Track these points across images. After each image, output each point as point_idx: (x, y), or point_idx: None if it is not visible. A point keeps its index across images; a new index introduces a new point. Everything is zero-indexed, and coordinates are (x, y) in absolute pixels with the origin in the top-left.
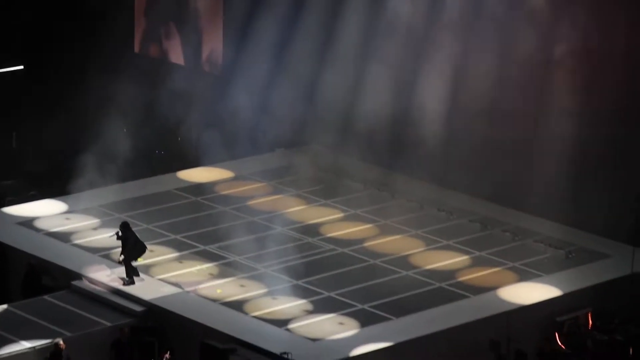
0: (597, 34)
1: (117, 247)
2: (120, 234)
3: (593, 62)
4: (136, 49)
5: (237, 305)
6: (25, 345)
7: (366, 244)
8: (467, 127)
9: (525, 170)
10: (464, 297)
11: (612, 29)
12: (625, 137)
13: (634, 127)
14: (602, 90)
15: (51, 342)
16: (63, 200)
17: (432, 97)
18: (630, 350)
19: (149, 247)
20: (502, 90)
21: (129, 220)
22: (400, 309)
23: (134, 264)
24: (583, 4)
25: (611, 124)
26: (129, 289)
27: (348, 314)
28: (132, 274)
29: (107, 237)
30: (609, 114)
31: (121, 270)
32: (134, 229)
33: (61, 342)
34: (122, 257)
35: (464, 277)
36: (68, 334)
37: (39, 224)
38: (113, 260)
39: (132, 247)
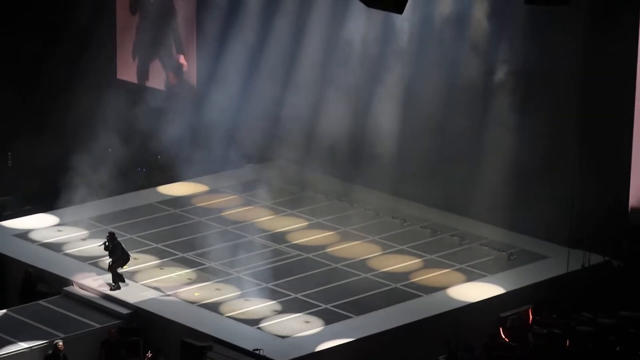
0: (534, 57)
1: (105, 255)
2: (107, 243)
3: (530, 83)
4: (118, 74)
5: (213, 307)
6: (22, 346)
7: (328, 250)
8: (417, 142)
9: (471, 181)
10: (417, 296)
11: (549, 52)
12: (559, 150)
13: (567, 141)
14: (538, 108)
15: (49, 343)
16: (55, 214)
17: (386, 116)
18: (567, 342)
19: (133, 255)
20: (448, 109)
21: (115, 231)
22: (360, 307)
23: (120, 271)
24: (520, 29)
25: (547, 139)
26: (115, 294)
27: (313, 313)
28: (117, 280)
29: (96, 246)
30: (544, 129)
31: (108, 277)
32: (119, 239)
33: (60, 343)
34: (110, 264)
35: (417, 278)
36: (62, 335)
37: (33, 236)
38: (101, 268)
39: (119, 255)
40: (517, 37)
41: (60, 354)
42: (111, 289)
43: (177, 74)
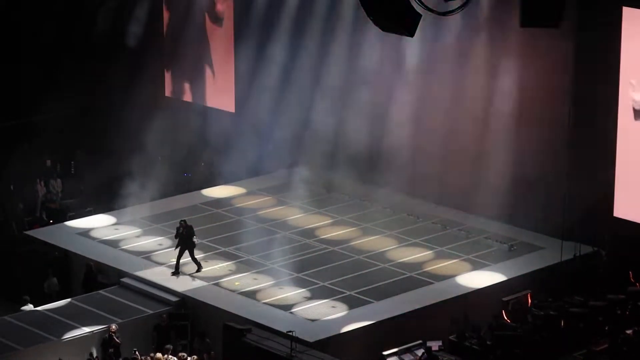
0: (528, 82)
1: (155, 250)
2: (181, 230)
3: (526, 103)
4: (167, 92)
5: (251, 294)
6: (85, 330)
7: (351, 243)
8: (428, 149)
9: (476, 183)
10: (429, 283)
11: (541, 77)
12: (554, 156)
13: (558, 149)
14: (533, 120)
15: (108, 327)
16: (112, 215)
17: (400, 126)
18: (562, 322)
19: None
20: (455, 121)
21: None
22: (380, 294)
23: (172, 262)
24: (517, 56)
25: (542, 147)
26: (166, 283)
27: (339, 299)
28: (179, 266)
29: (149, 242)
30: (540, 139)
31: (160, 269)
32: (168, 236)
33: (113, 326)
34: (178, 249)
35: (429, 268)
36: (119, 320)
37: (94, 234)
38: (153, 262)
39: (189, 242)
40: (513, 58)
41: (114, 336)
42: (198, 270)
43: (217, 92)
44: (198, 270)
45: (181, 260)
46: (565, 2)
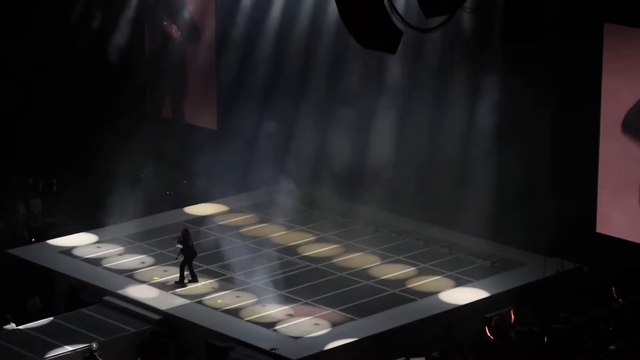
0: (510, 98)
1: (138, 268)
2: (181, 238)
3: (508, 120)
4: (149, 110)
5: (234, 312)
6: (67, 349)
7: (334, 260)
8: (410, 167)
9: (458, 200)
10: (412, 300)
11: (522, 93)
12: (536, 172)
13: (541, 165)
14: (516, 139)
15: (88, 346)
16: (94, 233)
17: (383, 145)
18: (545, 338)
19: (163, 267)
20: (438, 137)
21: (146, 246)
22: (363, 311)
23: (155, 280)
24: (499, 73)
25: (525, 165)
26: (148, 301)
27: (321, 316)
28: (183, 278)
29: (130, 260)
30: (523, 157)
31: (141, 287)
32: (150, 254)
33: (94, 345)
34: (179, 258)
35: (412, 284)
36: (102, 339)
37: (76, 252)
38: (136, 280)
39: (190, 252)
40: (495, 75)
41: (96, 354)
42: (189, 282)
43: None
44: (191, 282)
45: (156, 280)
46: (546, 19)
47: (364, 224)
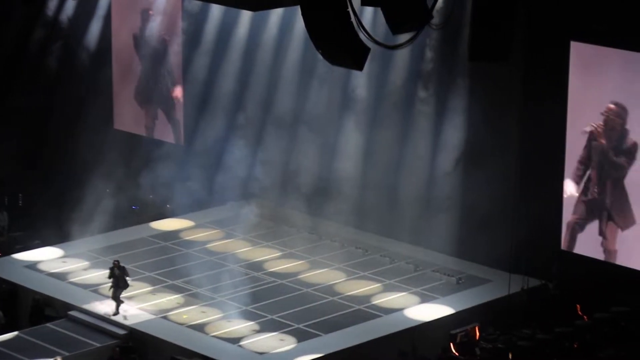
0: (476, 116)
1: (103, 283)
2: (115, 270)
3: (475, 137)
4: (115, 125)
5: (199, 327)
6: None
7: (300, 276)
8: (376, 183)
9: (424, 217)
10: (377, 316)
11: (489, 111)
12: (501, 190)
13: (506, 183)
14: (482, 158)
15: None
16: (60, 247)
17: (349, 160)
18: (510, 355)
19: (129, 282)
20: (404, 154)
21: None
22: (328, 327)
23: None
24: (466, 91)
25: (490, 185)
26: (114, 316)
27: (287, 332)
28: (118, 306)
29: (96, 275)
30: (488, 177)
31: (108, 302)
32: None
33: (58, 358)
34: (112, 291)
35: (378, 301)
36: (67, 354)
37: (41, 267)
38: (101, 294)
39: (122, 283)
40: (461, 93)
41: None
42: (114, 314)
43: (168, 125)
44: (115, 314)
45: (123, 295)
46: (513, 37)
47: (330, 240)
